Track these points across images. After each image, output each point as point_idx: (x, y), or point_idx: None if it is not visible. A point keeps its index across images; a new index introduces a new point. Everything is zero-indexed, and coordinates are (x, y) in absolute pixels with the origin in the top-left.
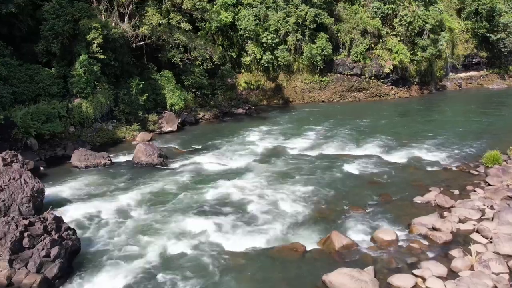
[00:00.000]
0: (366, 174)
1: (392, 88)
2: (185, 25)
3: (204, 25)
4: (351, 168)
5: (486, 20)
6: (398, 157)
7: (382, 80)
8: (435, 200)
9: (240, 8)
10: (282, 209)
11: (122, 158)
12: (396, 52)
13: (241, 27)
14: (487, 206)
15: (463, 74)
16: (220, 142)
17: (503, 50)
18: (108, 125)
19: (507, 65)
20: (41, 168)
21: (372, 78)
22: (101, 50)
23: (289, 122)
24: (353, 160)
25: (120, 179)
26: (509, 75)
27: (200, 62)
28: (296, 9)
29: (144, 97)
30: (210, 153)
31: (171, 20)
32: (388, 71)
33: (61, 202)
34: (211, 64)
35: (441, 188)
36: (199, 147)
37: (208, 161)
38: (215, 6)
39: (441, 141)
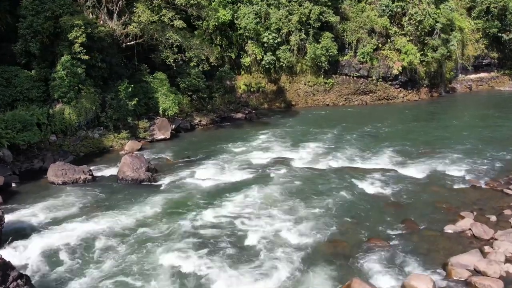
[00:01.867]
0: (383, 193)
1: (400, 90)
2: (178, 23)
3: (201, 23)
4: (365, 185)
5: (498, 19)
6: (417, 171)
7: (390, 82)
8: (470, 229)
9: (240, 6)
10: (287, 241)
11: (106, 172)
12: (405, 53)
13: (240, 26)
14: None
15: (473, 76)
16: (216, 151)
17: None
18: (94, 133)
19: None
20: (13, 185)
21: (379, 80)
22: (85, 51)
23: (292, 128)
24: (365, 175)
25: (99, 200)
26: None
27: (195, 63)
28: (300, 6)
29: (134, 102)
30: (205, 165)
31: (163, 17)
32: (397, 73)
33: (25, 230)
34: (208, 65)
35: (474, 213)
36: (194, 157)
37: (202, 176)
38: (213, 3)
39: (462, 150)
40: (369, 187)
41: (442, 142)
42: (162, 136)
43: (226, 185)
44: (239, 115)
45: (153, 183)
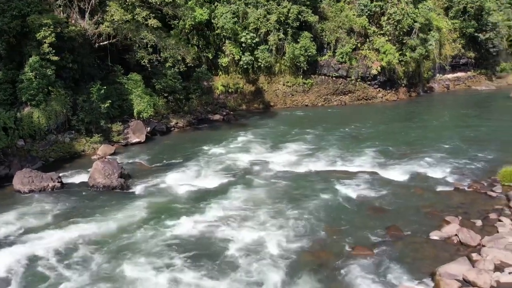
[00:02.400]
0: (365, 197)
1: (379, 90)
2: (153, 22)
3: (177, 23)
4: (346, 189)
5: (474, 19)
6: (399, 173)
7: (369, 82)
8: (456, 235)
9: (217, 5)
10: (268, 251)
11: (77, 178)
12: (384, 53)
13: (218, 26)
14: None
15: (450, 75)
16: (193, 155)
17: (491, 50)
18: (65, 137)
19: (494, 66)
20: None
21: (358, 80)
22: (54, 51)
23: (271, 129)
24: (347, 178)
25: (67, 210)
26: (496, 76)
27: (171, 64)
28: (278, 6)
29: (107, 104)
30: (181, 170)
31: (136, 16)
32: (375, 73)
33: None
34: (184, 66)
35: (460, 217)
36: (169, 161)
37: (178, 181)
38: (189, 2)
39: (444, 151)
40: (352, 191)
41: (423, 142)
42: (137, 140)
43: (203, 191)
44: (217, 116)
45: (125, 191)
